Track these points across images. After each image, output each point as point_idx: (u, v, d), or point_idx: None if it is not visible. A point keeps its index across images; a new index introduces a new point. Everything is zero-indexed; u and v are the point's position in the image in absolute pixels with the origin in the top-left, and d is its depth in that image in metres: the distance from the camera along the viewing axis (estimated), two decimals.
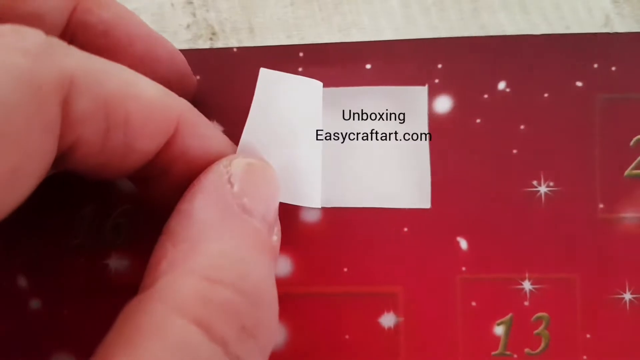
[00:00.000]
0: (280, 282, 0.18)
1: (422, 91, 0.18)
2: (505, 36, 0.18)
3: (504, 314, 0.18)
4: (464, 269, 0.18)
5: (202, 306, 0.12)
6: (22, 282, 0.18)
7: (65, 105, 0.12)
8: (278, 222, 0.16)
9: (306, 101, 0.17)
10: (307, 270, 0.18)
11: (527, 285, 0.18)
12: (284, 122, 0.16)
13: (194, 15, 0.19)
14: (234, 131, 0.17)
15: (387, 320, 0.18)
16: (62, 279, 0.18)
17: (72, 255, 0.18)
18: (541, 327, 0.18)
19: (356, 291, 0.18)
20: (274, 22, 0.19)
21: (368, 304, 0.18)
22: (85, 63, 0.12)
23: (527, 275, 0.18)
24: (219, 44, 0.19)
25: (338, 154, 0.18)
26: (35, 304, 0.18)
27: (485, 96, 0.18)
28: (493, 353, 0.18)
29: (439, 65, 0.18)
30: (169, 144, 0.14)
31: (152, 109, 0.13)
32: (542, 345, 0.18)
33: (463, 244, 0.18)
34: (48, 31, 0.12)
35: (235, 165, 0.15)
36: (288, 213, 0.18)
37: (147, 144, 0.14)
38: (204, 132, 0.15)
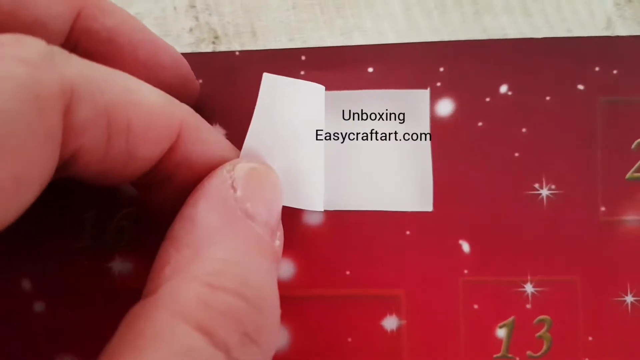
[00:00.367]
0: (283, 285, 0.18)
1: (424, 94, 0.18)
2: (507, 39, 0.18)
3: (506, 317, 0.18)
4: (466, 271, 0.18)
5: (205, 312, 0.12)
6: (26, 285, 0.18)
7: (67, 114, 0.12)
8: (281, 226, 0.16)
9: (309, 105, 0.17)
10: (309, 273, 0.18)
11: (529, 288, 0.18)
12: (286, 127, 0.16)
13: (196, 19, 0.19)
14: (236, 134, 0.17)
15: (390, 323, 0.18)
16: (65, 281, 0.18)
17: (75, 258, 0.18)
18: (543, 330, 0.18)
19: (359, 294, 0.18)
20: (276, 25, 0.19)
21: (370, 307, 0.18)
22: (87, 71, 0.12)
23: (529, 278, 0.18)
24: (222, 47, 0.19)
25: (338, 155, 0.18)
26: (39, 306, 0.18)
27: (487, 99, 0.18)
28: (495, 356, 0.18)
29: (441, 69, 0.18)
30: (171, 150, 0.14)
31: (154, 116, 0.14)
32: (544, 348, 0.18)
33: (465, 246, 0.18)
34: (51, 38, 0.12)
35: (238, 170, 0.15)
36: (291, 216, 0.18)
37: (149, 150, 0.14)
38: (207, 138, 0.15)
